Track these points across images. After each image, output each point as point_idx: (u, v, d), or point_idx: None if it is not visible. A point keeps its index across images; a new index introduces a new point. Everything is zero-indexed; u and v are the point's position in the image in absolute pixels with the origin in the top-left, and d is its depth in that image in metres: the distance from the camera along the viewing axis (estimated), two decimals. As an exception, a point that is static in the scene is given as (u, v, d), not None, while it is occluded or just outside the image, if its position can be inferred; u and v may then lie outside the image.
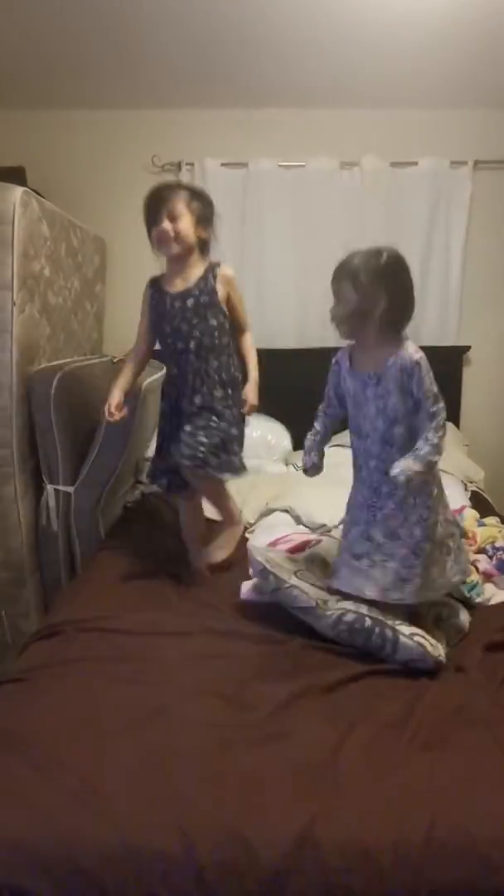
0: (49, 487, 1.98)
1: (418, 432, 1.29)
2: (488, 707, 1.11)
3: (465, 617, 1.43)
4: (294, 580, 1.38)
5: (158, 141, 2.81)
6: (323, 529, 1.91)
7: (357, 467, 1.42)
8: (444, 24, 2.15)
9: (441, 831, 0.85)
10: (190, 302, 1.62)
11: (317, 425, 1.50)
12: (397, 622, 1.27)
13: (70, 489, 1.99)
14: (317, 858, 0.83)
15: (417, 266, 2.85)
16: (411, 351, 1.29)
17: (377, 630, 1.25)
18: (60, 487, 1.98)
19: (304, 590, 1.36)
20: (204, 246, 1.66)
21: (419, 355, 1.29)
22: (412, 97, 2.69)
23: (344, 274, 1.29)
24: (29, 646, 1.33)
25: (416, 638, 1.24)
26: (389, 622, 1.26)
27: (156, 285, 1.70)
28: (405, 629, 1.25)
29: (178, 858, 0.83)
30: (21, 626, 1.99)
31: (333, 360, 1.44)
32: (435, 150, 2.79)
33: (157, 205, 1.59)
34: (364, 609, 1.30)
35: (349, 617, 1.28)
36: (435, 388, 1.29)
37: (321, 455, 1.49)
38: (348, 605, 1.31)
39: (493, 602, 1.56)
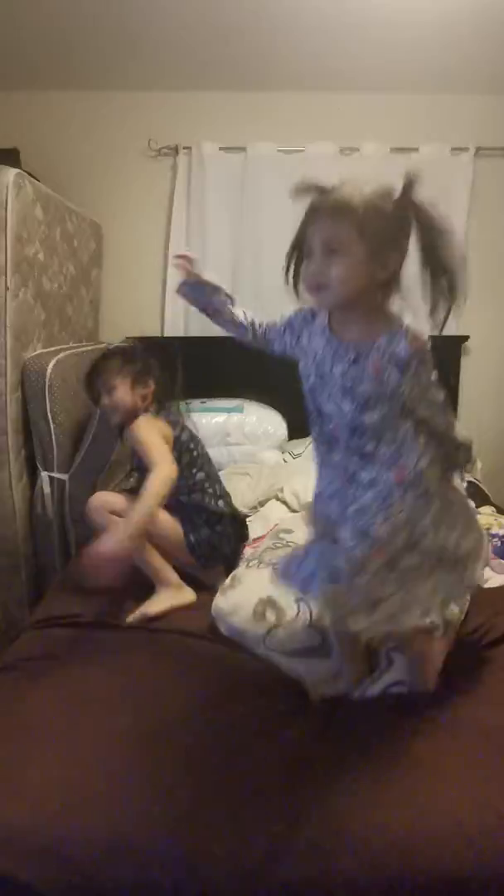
0: (44, 474, 1.97)
1: (401, 422, 1.02)
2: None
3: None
4: (262, 650, 1.25)
5: (155, 124, 2.77)
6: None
7: (320, 452, 1.12)
8: (447, 8, 2.11)
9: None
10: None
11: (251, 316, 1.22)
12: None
13: (65, 476, 1.97)
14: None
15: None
16: (410, 336, 0.99)
17: None
18: (55, 474, 1.97)
19: (275, 661, 1.23)
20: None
21: (418, 344, 1.00)
22: (413, 82, 2.65)
23: (340, 214, 0.96)
24: (21, 635, 1.33)
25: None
26: None
27: None
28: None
29: (169, 850, 0.83)
30: (15, 614, 1.98)
31: (307, 308, 1.12)
32: (436, 136, 2.75)
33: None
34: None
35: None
36: (434, 377, 1.04)
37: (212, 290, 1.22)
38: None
39: (488, 585, 1.58)
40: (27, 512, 1.99)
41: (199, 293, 1.23)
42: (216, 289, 1.22)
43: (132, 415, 1.63)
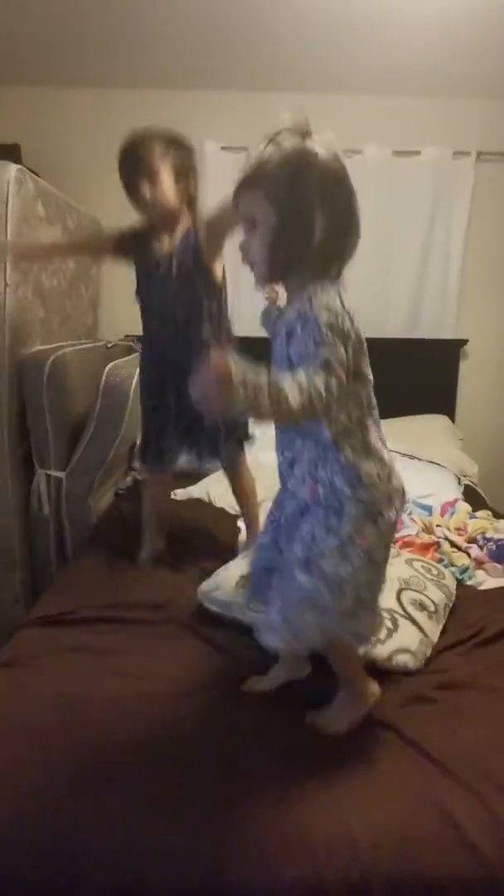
0: (40, 472, 1.96)
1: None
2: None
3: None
4: (246, 616, 1.18)
5: (157, 122, 2.72)
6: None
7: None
8: (450, 11, 2.12)
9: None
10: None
11: None
12: None
13: (61, 474, 1.97)
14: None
15: (417, 257, 2.84)
16: (301, 301, 0.87)
17: None
18: (52, 472, 1.96)
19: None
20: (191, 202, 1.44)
21: (306, 308, 0.85)
22: (416, 85, 2.65)
23: (255, 185, 0.89)
24: (16, 633, 1.32)
25: None
26: None
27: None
28: None
29: (169, 854, 0.83)
30: (10, 612, 1.98)
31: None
32: (438, 139, 2.75)
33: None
34: None
35: None
36: (327, 353, 0.82)
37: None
38: None
39: (483, 587, 1.61)
40: (24, 510, 1.98)
41: None
42: None
43: (172, 218, 1.42)
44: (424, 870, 0.81)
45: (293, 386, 0.80)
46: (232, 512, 1.97)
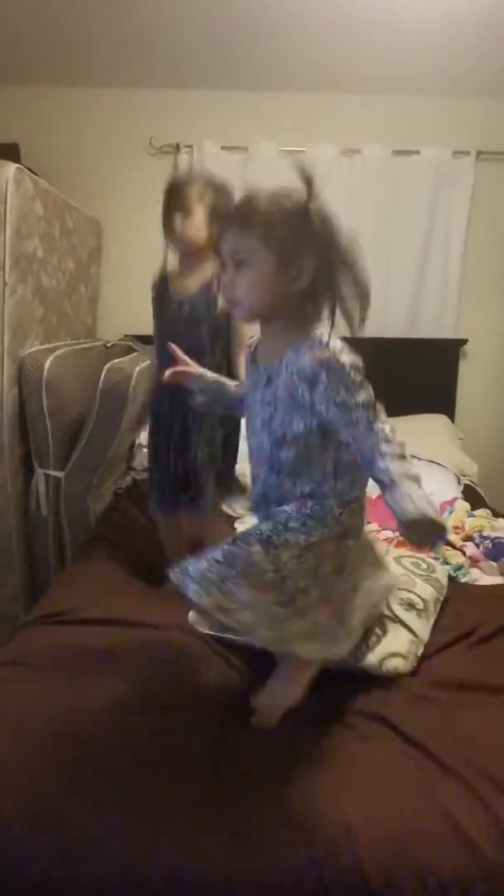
0: (39, 472, 1.96)
1: (319, 458, 0.95)
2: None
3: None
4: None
5: (157, 121, 2.76)
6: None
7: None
8: (451, 10, 2.11)
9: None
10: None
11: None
12: None
13: (60, 474, 1.97)
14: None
15: (416, 256, 2.84)
16: (320, 348, 0.89)
17: None
18: (51, 472, 1.96)
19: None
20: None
21: (322, 355, 0.88)
22: (416, 84, 2.65)
23: (248, 222, 0.90)
24: (16, 633, 1.32)
25: None
26: None
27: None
28: None
29: (172, 854, 0.83)
30: (9, 611, 1.97)
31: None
32: (437, 139, 2.75)
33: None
34: None
35: None
36: (364, 395, 0.89)
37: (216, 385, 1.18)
38: None
39: (478, 583, 1.63)
40: (22, 510, 1.98)
41: (215, 394, 1.18)
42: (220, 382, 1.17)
43: (196, 255, 1.47)
44: (424, 866, 0.82)
45: (398, 449, 0.88)
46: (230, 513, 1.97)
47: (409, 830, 0.85)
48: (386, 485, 0.86)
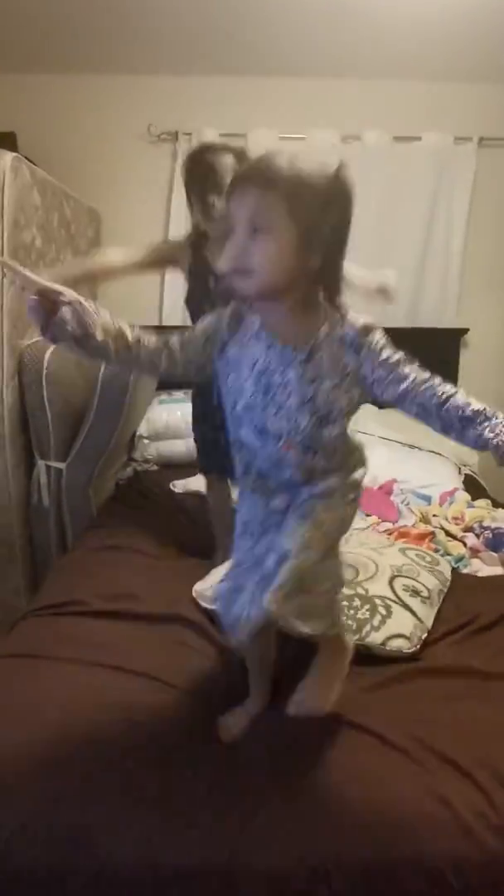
0: (40, 463, 1.96)
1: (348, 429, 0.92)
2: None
3: None
4: None
5: (155, 109, 2.73)
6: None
7: (248, 483, 0.99)
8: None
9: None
10: None
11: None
12: None
13: (62, 465, 1.97)
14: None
15: (417, 245, 2.81)
16: (355, 316, 0.89)
17: None
18: (52, 463, 1.96)
19: None
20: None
21: (368, 320, 0.89)
22: (416, 70, 2.61)
23: (268, 185, 0.80)
24: (17, 624, 1.33)
25: None
26: None
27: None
28: None
29: (173, 844, 0.83)
30: (11, 603, 1.98)
31: (227, 311, 0.94)
32: (439, 125, 2.72)
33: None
34: None
35: None
36: (401, 352, 0.91)
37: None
38: None
39: (480, 574, 1.63)
40: (24, 501, 1.98)
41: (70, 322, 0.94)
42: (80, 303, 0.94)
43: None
44: (422, 853, 0.82)
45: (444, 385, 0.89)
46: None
47: (408, 819, 0.85)
48: (472, 418, 0.85)
